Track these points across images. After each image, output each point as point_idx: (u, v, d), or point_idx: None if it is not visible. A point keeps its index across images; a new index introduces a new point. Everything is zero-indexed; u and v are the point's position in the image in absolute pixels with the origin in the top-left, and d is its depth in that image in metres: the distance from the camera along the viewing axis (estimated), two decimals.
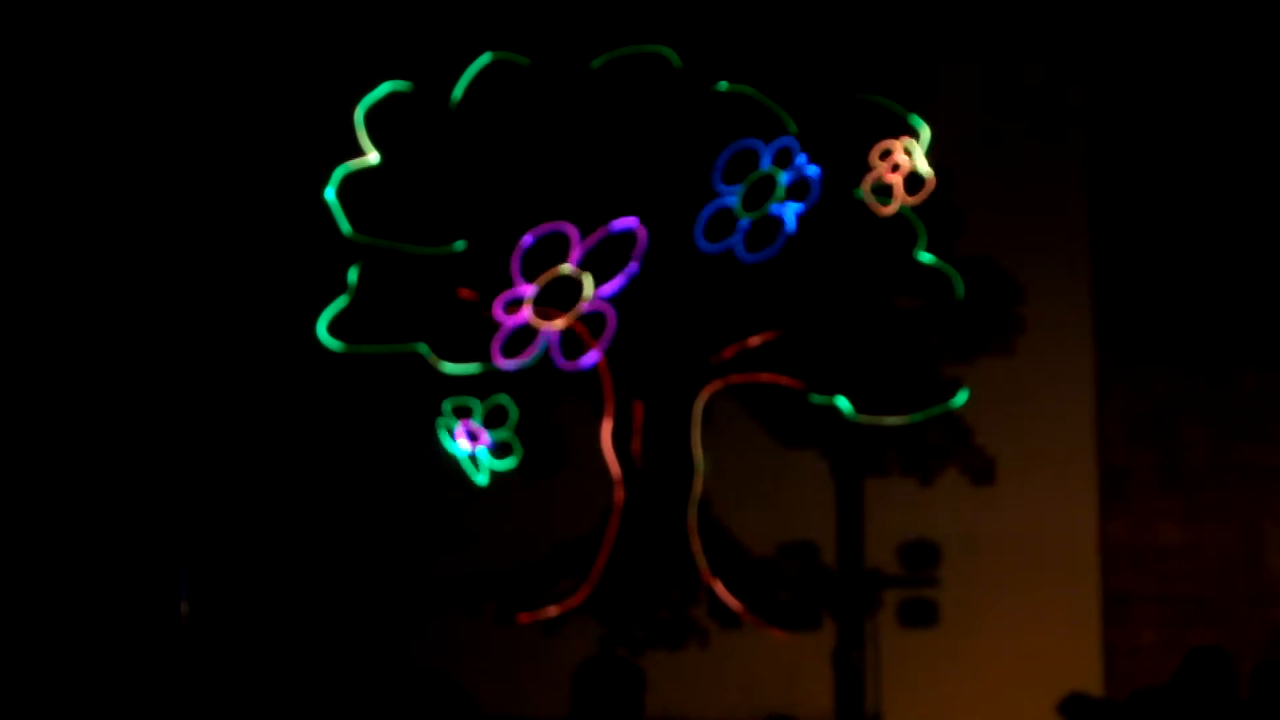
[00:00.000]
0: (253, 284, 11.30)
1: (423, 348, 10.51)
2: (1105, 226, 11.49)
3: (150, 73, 11.35)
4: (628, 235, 10.42)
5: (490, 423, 10.43)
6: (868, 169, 10.48)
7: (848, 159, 10.63)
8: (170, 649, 10.75)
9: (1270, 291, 11.34)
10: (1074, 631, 11.07)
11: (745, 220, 10.37)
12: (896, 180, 10.43)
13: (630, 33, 10.90)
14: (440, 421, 10.40)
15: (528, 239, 10.40)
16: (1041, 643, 10.93)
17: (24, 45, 11.22)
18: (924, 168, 10.42)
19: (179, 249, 11.30)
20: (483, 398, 10.60)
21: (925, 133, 10.61)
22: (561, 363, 10.38)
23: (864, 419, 10.59)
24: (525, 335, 10.40)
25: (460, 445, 10.40)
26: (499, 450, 10.45)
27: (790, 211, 10.32)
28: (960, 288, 10.68)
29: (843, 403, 10.54)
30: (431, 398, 10.90)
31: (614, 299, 10.41)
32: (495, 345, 10.37)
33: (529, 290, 10.35)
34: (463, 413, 10.39)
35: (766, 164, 10.39)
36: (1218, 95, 11.49)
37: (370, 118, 10.53)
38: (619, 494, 10.78)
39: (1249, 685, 7.26)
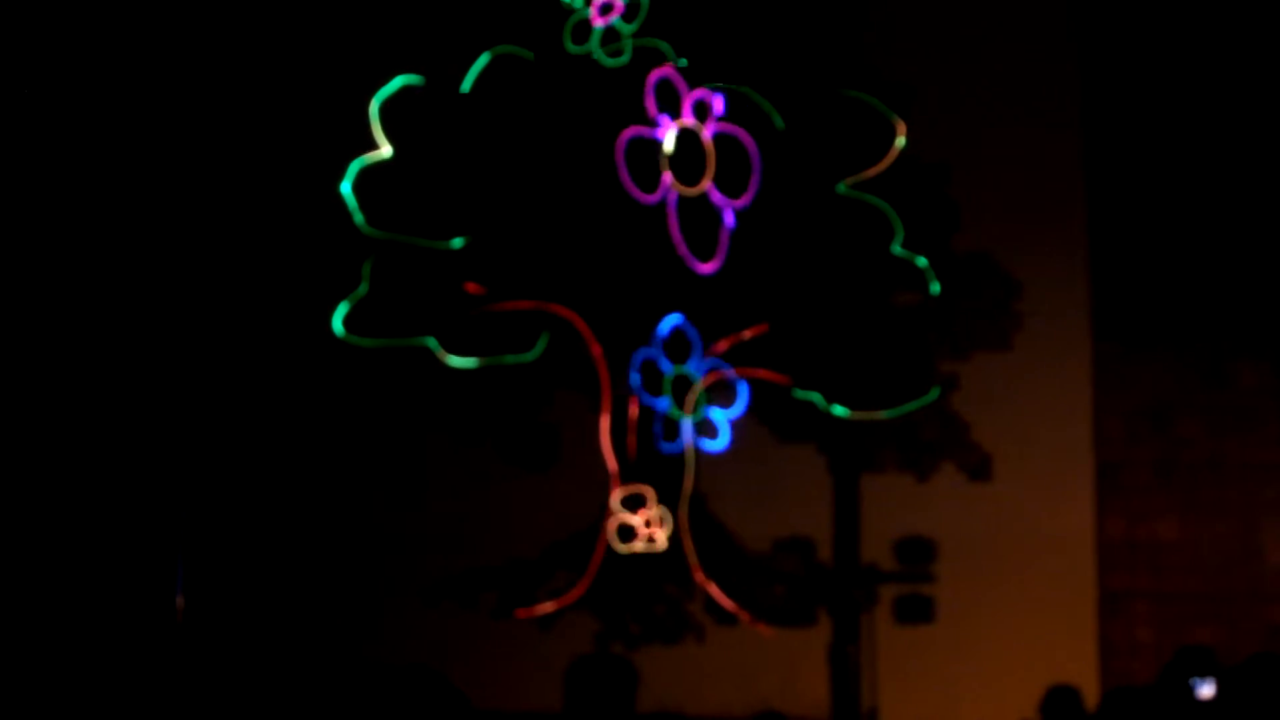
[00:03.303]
0: (261, 277, 11.32)
1: (431, 342, 10.50)
2: (1103, 223, 11.50)
3: (168, 70, 11.37)
4: None
5: None
6: (851, 166, 10.60)
7: (832, 154, 10.68)
8: (166, 642, 10.77)
9: (1267, 289, 11.33)
10: (1070, 627, 11.07)
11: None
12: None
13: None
14: None
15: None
16: (1037, 638, 10.92)
17: (46, 47, 11.25)
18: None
19: (188, 244, 11.33)
20: (487, 395, 10.74)
21: (901, 132, 10.67)
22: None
23: (847, 414, 10.61)
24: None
25: None
26: None
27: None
28: (935, 284, 10.69)
29: (819, 398, 10.56)
30: (433, 393, 10.95)
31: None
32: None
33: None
34: None
35: None
36: (1215, 92, 11.48)
37: (384, 111, 10.54)
38: (615, 489, 10.77)
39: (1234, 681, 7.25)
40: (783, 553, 11.23)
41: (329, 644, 11.17)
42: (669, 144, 10.50)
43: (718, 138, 10.55)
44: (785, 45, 11.12)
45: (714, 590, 10.83)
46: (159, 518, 11.02)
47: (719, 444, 10.52)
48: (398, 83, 10.60)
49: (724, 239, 10.55)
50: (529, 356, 10.68)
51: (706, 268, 10.54)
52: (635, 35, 10.58)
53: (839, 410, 10.62)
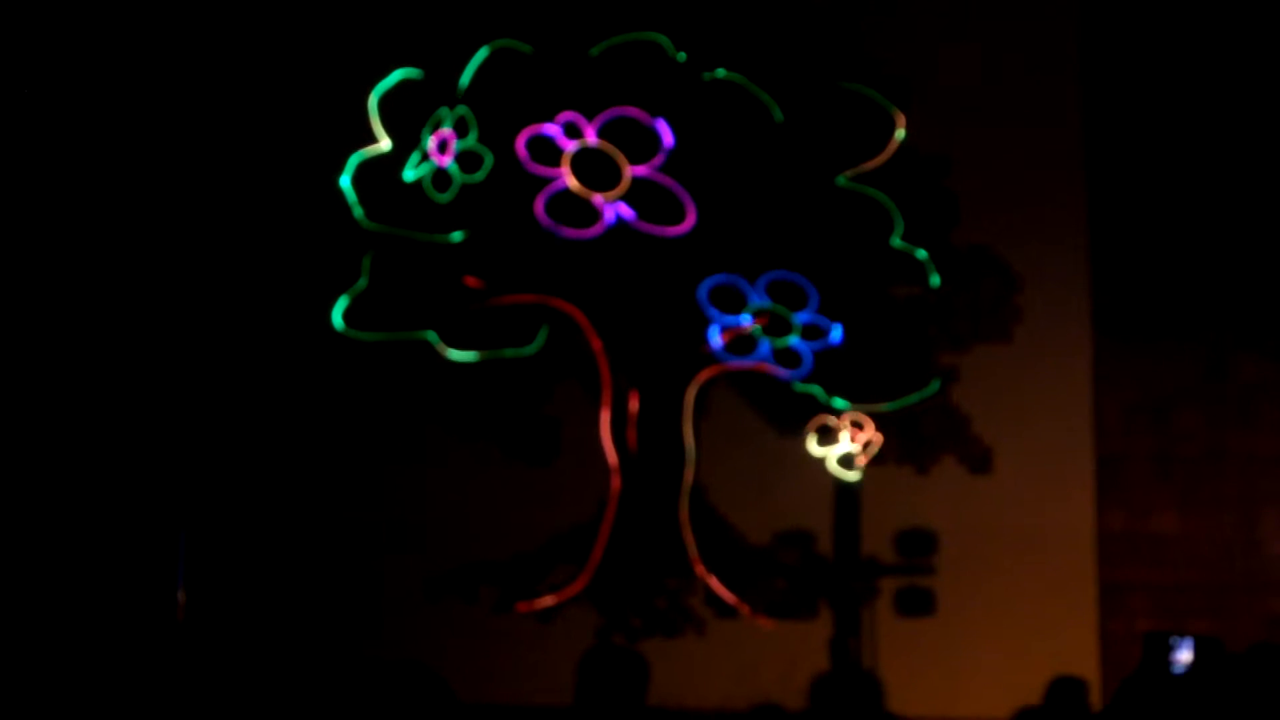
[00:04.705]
0: (260, 272, 11.33)
1: (431, 335, 10.53)
2: (1104, 215, 11.49)
3: (166, 65, 11.38)
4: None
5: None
6: (850, 159, 10.60)
7: (831, 147, 10.68)
8: (167, 638, 10.78)
9: (1267, 281, 11.34)
10: (1071, 620, 11.07)
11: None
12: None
13: (628, 21, 10.92)
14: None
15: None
16: (1038, 631, 10.94)
17: (45, 45, 11.25)
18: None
19: (186, 238, 11.34)
20: (487, 389, 10.77)
21: (900, 124, 10.67)
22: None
23: (848, 407, 10.62)
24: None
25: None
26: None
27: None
28: (935, 276, 10.71)
29: (819, 390, 10.56)
30: (433, 386, 10.97)
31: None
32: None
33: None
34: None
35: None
36: (1215, 83, 11.48)
37: (382, 105, 10.55)
38: (615, 483, 10.79)
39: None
40: (783, 546, 11.24)
41: (330, 639, 11.17)
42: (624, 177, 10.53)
43: (606, 128, 10.55)
44: (784, 37, 11.13)
45: (714, 583, 10.85)
46: (159, 512, 11.03)
47: (802, 370, 10.51)
48: (397, 76, 10.61)
49: (683, 197, 10.53)
50: (529, 350, 10.71)
51: (683, 227, 10.53)
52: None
53: (839, 403, 10.64)
